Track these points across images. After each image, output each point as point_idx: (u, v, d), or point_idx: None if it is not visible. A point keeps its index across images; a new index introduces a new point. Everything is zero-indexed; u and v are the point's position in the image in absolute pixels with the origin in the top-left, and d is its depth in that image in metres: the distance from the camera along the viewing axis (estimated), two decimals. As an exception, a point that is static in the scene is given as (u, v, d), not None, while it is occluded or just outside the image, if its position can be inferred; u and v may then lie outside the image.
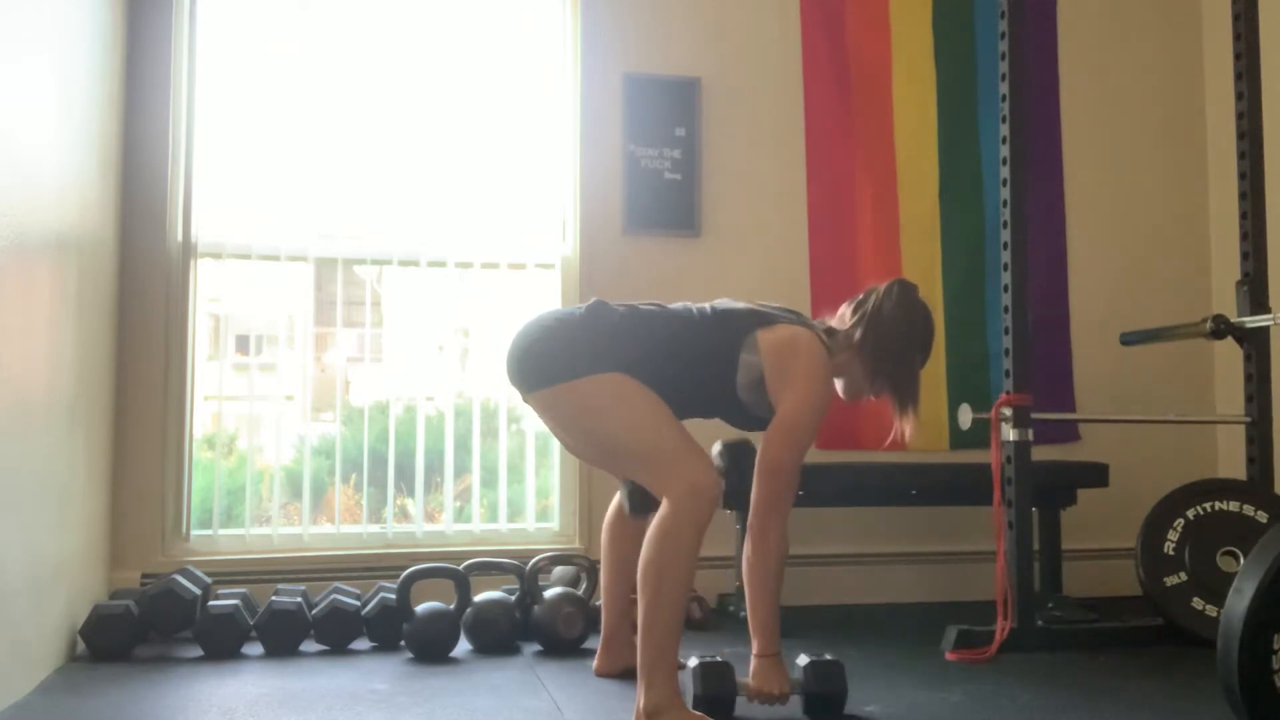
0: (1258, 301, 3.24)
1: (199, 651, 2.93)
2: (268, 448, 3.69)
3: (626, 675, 2.55)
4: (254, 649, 2.98)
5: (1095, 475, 3.64)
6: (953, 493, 3.58)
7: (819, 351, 2.33)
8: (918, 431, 2.42)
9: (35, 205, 2.58)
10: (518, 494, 3.80)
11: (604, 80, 3.86)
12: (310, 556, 3.53)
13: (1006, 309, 3.08)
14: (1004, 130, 3.11)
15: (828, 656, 2.31)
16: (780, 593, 2.30)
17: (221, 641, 2.92)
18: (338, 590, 3.16)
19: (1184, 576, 3.09)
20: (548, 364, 2.27)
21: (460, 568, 3.09)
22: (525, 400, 2.37)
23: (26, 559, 2.52)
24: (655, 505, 2.20)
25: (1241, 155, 3.31)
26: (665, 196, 3.86)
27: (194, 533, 3.53)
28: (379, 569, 3.47)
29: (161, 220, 3.51)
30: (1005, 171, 3.10)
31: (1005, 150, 3.10)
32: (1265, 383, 3.27)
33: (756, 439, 2.39)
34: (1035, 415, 3.06)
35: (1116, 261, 4.22)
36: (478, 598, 3.07)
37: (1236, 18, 3.33)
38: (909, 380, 2.43)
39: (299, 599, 3.05)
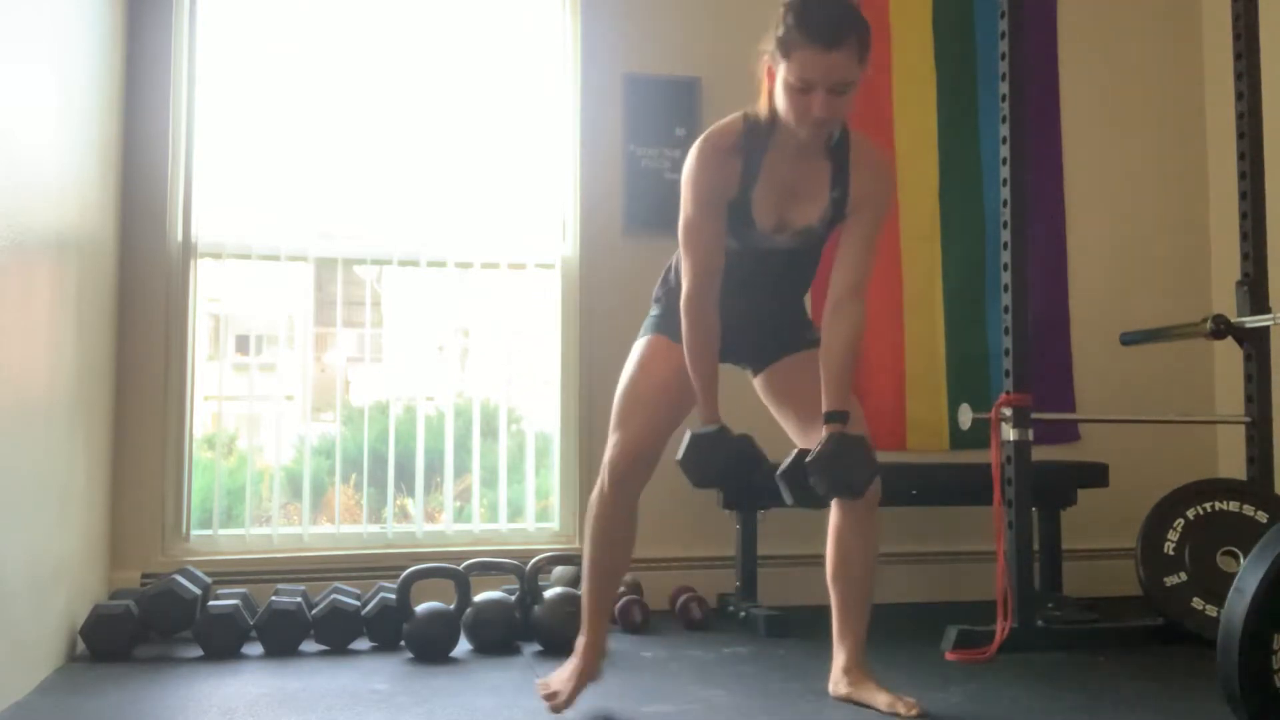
0: (1258, 301, 3.24)
1: (199, 651, 2.93)
2: (268, 448, 3.69)
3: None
4: (254, 649, 2.98)
5: (1095, 475, 3.64)
6: (953, 493, 3.58)
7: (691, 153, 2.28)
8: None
9: (35, 205, 2.58)
10: (518, 494, 3.80)
11: (604, 80, 3.85)
12: (310, 556, 3.53)
13: (1006, 309, 3.08)
14: (1004, 130, 3.11)
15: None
16: None
17: (221, 641, 2.92)
18: (338, 590, 3.16)
19: (1184, 576, 3.09)
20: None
21: (460, 568, 3.09)
22: None
23: (26, 559, 2.52)
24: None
25: (1241, 155, 3.31)
26: (665, 196, 3.84)
27: (194, 533, 3.53)
28: (379, 569, 3.46)
29: (161, 220, 3.51)
30: (1005, 171, 3.10)
31: (1005, 150, 3.10)
32: (1265, 383, 3.27)
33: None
34: (1035, 415, 3.06)
35: (1116, 261, 4.21)
36: (478, 598, 3.07)
37: (1236, 18, 3.33)
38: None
39: (299, 599, 3.05)
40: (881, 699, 2.30)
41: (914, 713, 2.24)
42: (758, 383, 2.47)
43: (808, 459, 2.15)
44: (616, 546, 2.33)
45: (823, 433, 2.18)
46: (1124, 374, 4.09)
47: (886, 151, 2.30)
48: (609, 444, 2.28)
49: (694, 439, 2.16)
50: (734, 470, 2.17)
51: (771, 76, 2.14)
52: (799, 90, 2.07)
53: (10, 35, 2.42)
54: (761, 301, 2.38)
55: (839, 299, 2.23)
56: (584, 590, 2.37)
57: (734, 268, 2.26)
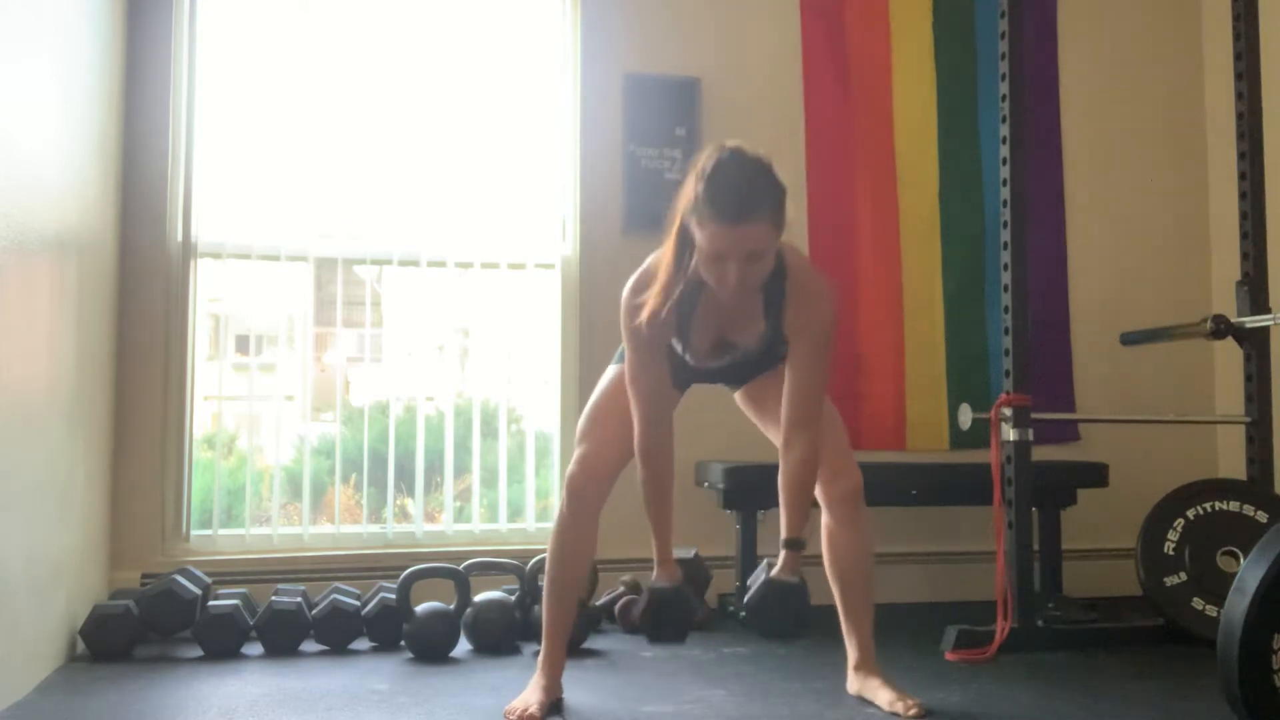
0: (1258, 301, 3.24)
1: (199, 651, 2.93)
2: (268, 448, 3.69)
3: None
4: (254, 649, 2.98)
5: (1095, 475, 3.64)
6: (953, 493, 3.58)
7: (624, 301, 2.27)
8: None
9: (35, 205, 2.58)
10: (518, 494, 3.80)
11: (604, 80, 3.85)
12: (310, 556, 3.53)
13: (1006, 309, 3.08)
14: (1004, 129, 3.11)
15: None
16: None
17: (221, 641, 2.92)
18: (338, 590, 3.16)
19: (1184, 576, 3.09)
20: None
21: (460, 568, 3.09)
22: None
23: (26, 559, 2.52)
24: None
25: (1241, 155, 3.31)
26: (665, 196, 3.77)
27: (194, 533, 3.53)
28: (379, 569, 3.46)
29: (161, 220, 3.51)
30: (1005, 171, 3.10)
31: (1005, 150, 3.10)
32: (1265, 383, 3.27)
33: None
34: (1035, 415, 3.06)
35: (1116, 261, 4.21)
36: (478, 598, 3.07)
37: (1236, 18, 3.33)
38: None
39: (299, 599, 3.05)
40: (883, 696, 2.32)
41: (913, 713, 2.25)
42: (737, 396, 2.54)
43: (744, 599, 2.23)
44: (573, 562, 2.36)
45: (780, 555, 2.23)
46: (1124, 374, 4.09)
47: (828, 279, 2.27)
48: (571, 461, 2.35)
49: (656, 596, 2.20)
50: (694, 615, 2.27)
51: (682, 230, 2.13)
52: (713, 258, 2.07)
53: (10, 35, 2.42)
54: (729, 362, 2.42)
55: (788, 433, 2.26)
56: (543, 606, 2.39)
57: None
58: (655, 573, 2.28)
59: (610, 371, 2.42)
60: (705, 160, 2.09)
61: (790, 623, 2.19)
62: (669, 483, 2.27)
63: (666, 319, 2.18)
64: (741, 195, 2.03)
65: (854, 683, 2.43)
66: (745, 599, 2.24)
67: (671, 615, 2.21)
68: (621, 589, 3.44)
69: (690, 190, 2.08)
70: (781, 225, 2.09)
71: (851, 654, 2.44)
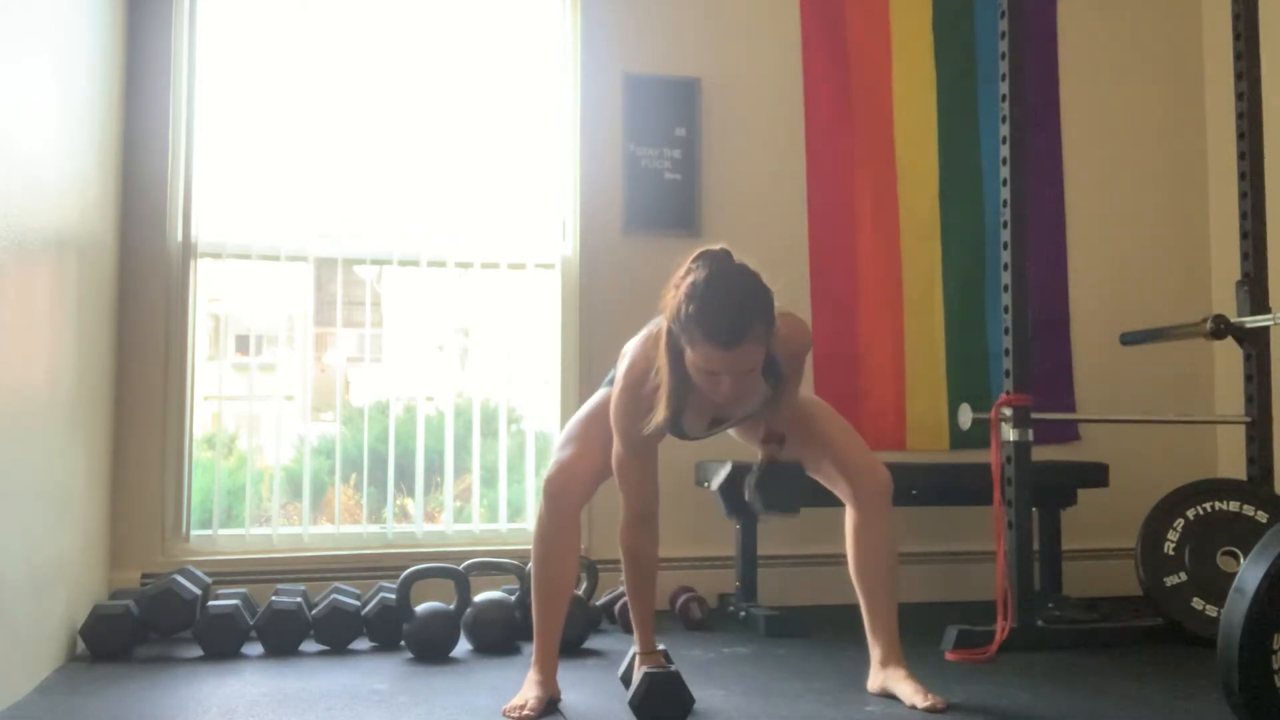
0: (1258, 301, 3.24)
1: (199, 651, 2.93)
2: (268, 448, 3.69)
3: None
4: (254, 649, 2.98)
5: (1095, 475, 3.64)
6: (953, 493, 3.58)
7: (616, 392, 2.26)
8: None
9: (35, 206, 2.57)
10: (518, 494, 3.80)
11: (604, 80, 3.86)
12: (310, 556, 3.53)
13: (1006, 309, 3.08)
14: (1004, 130, 3.11)
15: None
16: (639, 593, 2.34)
17: (221, 641, 2.92)
18: (338, 590, 3.16)
19: (1184, 576, 3.09)
20: None
21: (460, 568, 3.09)
22: None
23: (26, 559, 2.52)
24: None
25: (1241, 155, 3.31)
26: (665, 196, 3.86)
27: (194, 533, 3.53)
28: (379, 569, 3.47)
29: (161, 220, 3.51)
30: (1005, 171, 3.10)
31: (1005, 150, 3.10)
32: (1265, 383, 3.27)
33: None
34: (1035, 415, 3.06)
35: (1116, 261, 4.22)
36: (478, 598, 3.07)
37: (1236, 18, 3.33)
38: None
39: (299, 599, 3.05)
40: (905, 689, 2.35)
41: (928, 704, 2.28)
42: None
43: (747, 479, 2.31)
44: (557, 562, 2.36)
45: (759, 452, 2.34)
46: (1124, 374, 4.09)
47: (797, 317, 2.28)
48: (549, 465, 2.38)
49: (649, 679, 2.22)
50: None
51: (671, 338, 2.09)
52: (707, 373, 2.05)
53: (10, 35, 2.42)
54: (723, 429, 2.46)
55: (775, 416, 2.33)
56: (532, 606, 2.40)
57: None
58: (639, 660, 2.31)
59: (599, 394, 2.42)
60: (692, 274, 2.04)
61: (797, 492, 2.28)
62: (654, 575, 2.31)
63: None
64: (734, 320, 1.98)
65: (876, 679, 2.44)
66: (747, 480, 2.32)
67: (668, 697, 2.22)
68: (622, 589, 3.44)
69: (677, 305, 2.03)
70: (772, 332, 2.06)
71: (876, 651, 2.44)
